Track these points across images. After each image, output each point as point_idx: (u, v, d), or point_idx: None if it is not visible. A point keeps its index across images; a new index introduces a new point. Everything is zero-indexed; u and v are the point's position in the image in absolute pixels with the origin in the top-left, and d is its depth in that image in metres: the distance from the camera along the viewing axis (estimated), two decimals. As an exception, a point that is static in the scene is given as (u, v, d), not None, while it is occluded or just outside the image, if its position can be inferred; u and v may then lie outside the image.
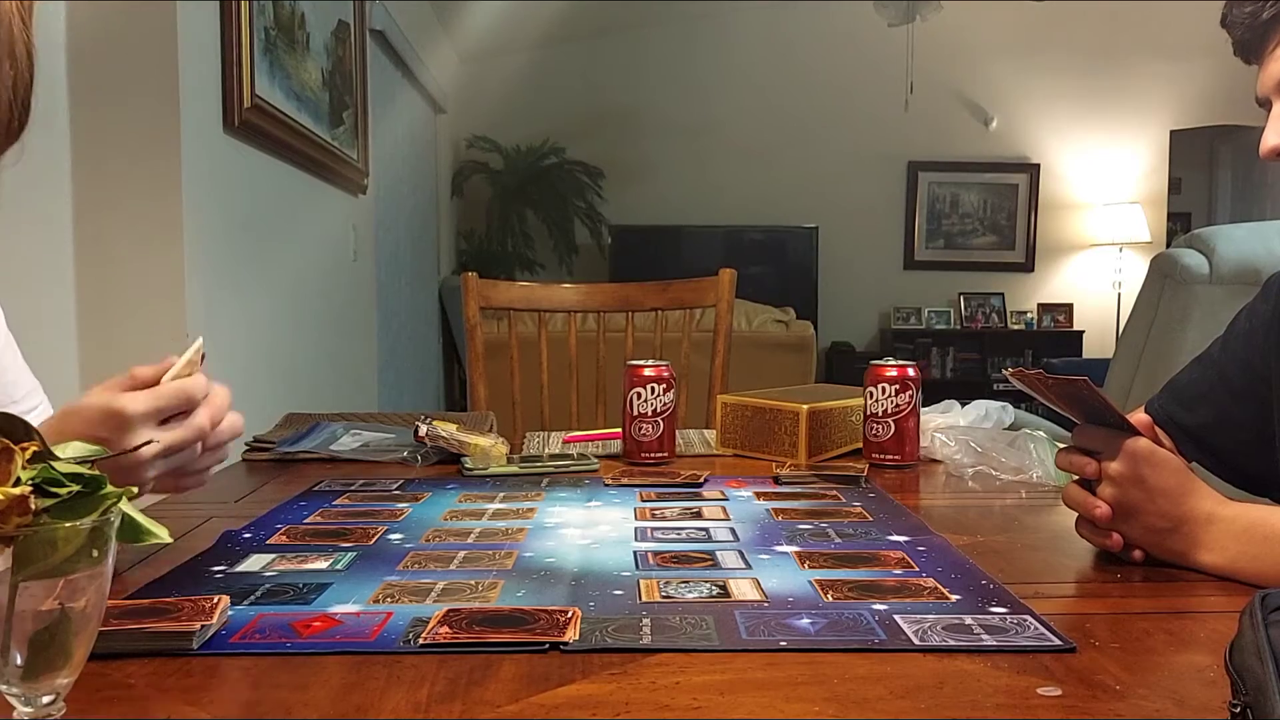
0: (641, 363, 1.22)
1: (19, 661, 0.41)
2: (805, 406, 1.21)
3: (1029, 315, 6.30)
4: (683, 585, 0.69)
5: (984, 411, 1.27)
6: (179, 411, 0.75)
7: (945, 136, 6.20)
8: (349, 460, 1.21)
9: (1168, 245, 5.19)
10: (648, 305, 1.93)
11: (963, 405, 1.30)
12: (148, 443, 0.70)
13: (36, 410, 0.98)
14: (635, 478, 1.08)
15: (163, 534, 0.45)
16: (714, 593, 0.67)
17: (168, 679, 0.53)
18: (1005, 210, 6.32)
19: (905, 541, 0.81)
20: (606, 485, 1.06)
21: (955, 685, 0.52)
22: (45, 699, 0.42)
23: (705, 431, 1.46)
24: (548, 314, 1.93)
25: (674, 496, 1.00)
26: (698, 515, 0.92)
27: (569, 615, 0.61)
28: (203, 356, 0.80)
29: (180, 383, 0.75)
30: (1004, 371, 0.81)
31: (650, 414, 1.20)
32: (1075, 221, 6.30)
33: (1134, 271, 5.73)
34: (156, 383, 0.76)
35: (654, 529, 0.86)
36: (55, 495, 0.41)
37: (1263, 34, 0.82)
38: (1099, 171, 6.24)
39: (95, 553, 0.42)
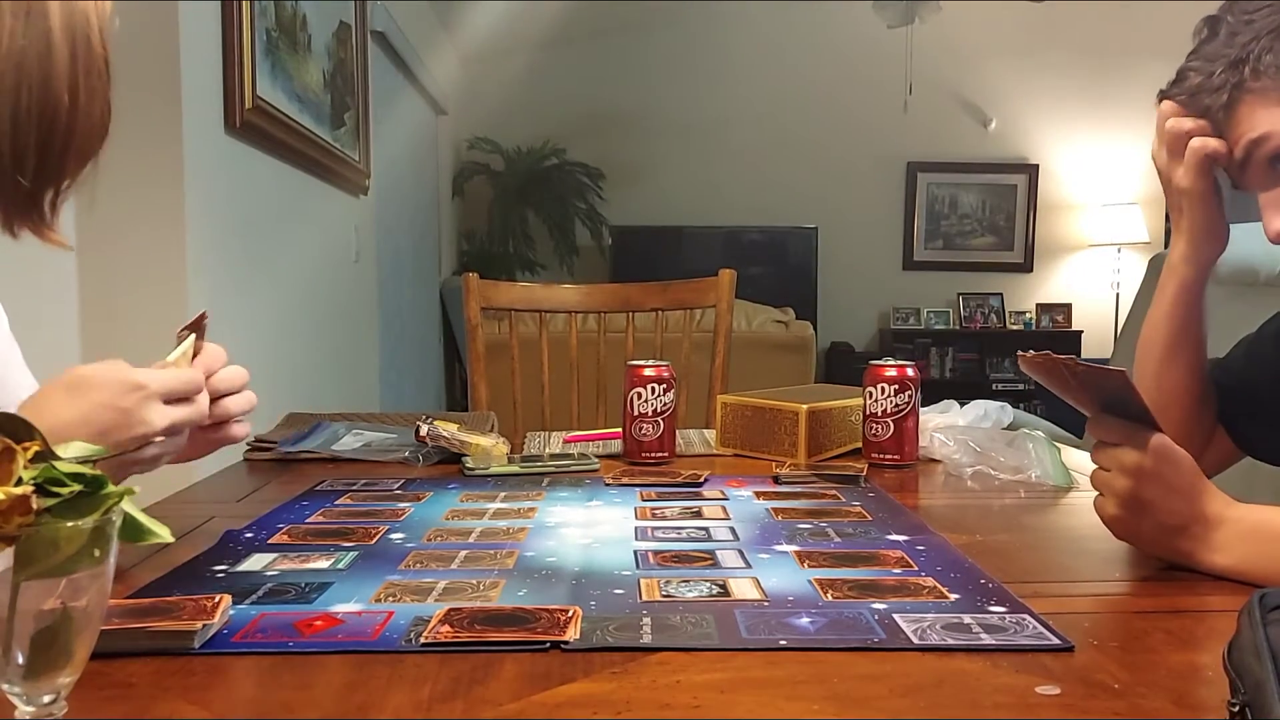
0: (642, 363, 1.22)
1: (21, 661, 0.41)
2: (805, 406, 1.21)
3: (1028, 315, 6.30)
4: (683, 584, 0.69)
5: (983, 411, 1.27)
6: (184, 397, 0.80)
7: (944, 137, 6.20)
8: (350, 460, 1.21)
9: (1166, 245, 5.18)
10: (648, 306, 1.94)
11: (962, 405, 1.30)
12: (150, 442, 0.72)
13: None
14: (635, 477, 1.08)
15: (164, 533, 0.45)
16: (714, 592, 0.68)
17: (169, 678, 0.53)
18: (1004, 211, 6.32)
19: (904, 541, 0.82)
20: (607, 485, 1.06)
21: (954, 684, 0.52)
22: (47, 698, 0.43)
23: (705, 431, 1.46)
24: (548, 314, 1.93)
25: (674, 496, 1.00)
26: (698, 515, 0.92)
27: (570, 614, 0.61)
28: (203, 330, 0.85)
29: (193, 371, 0.81)
30: (1019, 354, 0.80)
31: (650, 414, 1.20)
32: (1073, 222, 6.30)
33: (1132, 272, 5.73)
34: None
35: (654, 528, 0.86)
36: (57, 495, 0.41)
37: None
38: (1097, 172, 6.24)
39: (97, 552, 0.42)
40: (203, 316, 0.86)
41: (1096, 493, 0.77)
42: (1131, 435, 0.74)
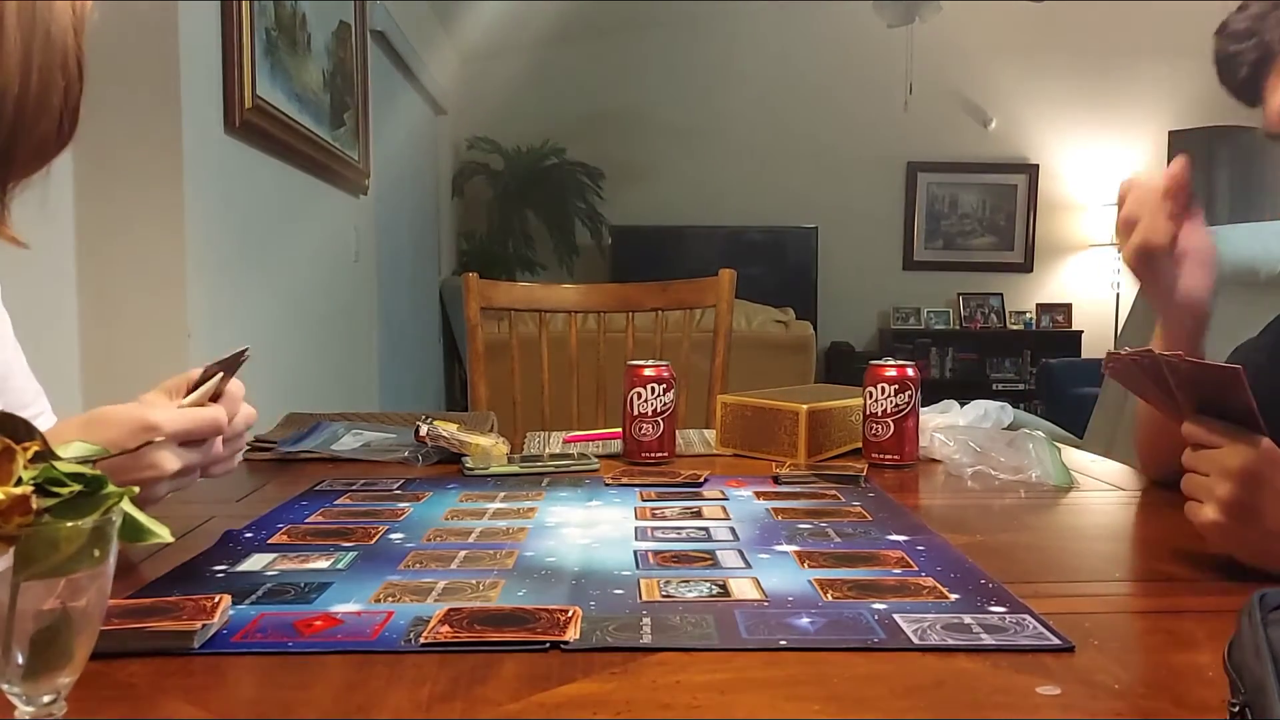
0: (642, 363, 1.22)
1: (20, 661, 0.41)
2: (805, 406, 1.21)
3: (1028, 315, 6.31)
4: (683, 584, 0.69)
5: (983, 411, 1.27)
6: (202, 438, 0.78)
7: (944, 137, 6.21)
8: (350, 460, 1.21)
9: (1167, 245, 5.17)
10: (648, 305, 1.94)
11: (962, 405, 1.30)
12: (148, 443, 0.71)
13: (40, 417, 0.99)
14: (635, 477, 1.08)
15: (164, 534, 0.45)
16: (714, 592, 0.68)
17: (169, 678, 0.53)
18: (1004, 211, 6.32)
19: (904, 541, 0.82)
20: (607, 485, 1.06)
21: (955, 684, 0.52)
22: (46, 698, 0.42)
23: (705, 431, 1.46)
24: (548, 314, 1.93)
25: (674, 496, 1.00)
26: (698, 515, 0.92)
27: (569, 614, 0.61)
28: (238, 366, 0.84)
29: (213, 412, 0.78)
30: (1108, 354, 0.77)
31: (650, 414, 1.20)
32: (1074, 222, 6.31)
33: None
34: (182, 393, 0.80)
35: (654, 528, 0.86)
36: (57, 495, 0.41)
37: (1256, 73, 0.86)
38: (1097, 172, 6.24)
39: (97, 552, 0.42)
40: (243, 353, 0.84)
41: (1192, 500, 0.73)
42: (1236, 437, 0.71)
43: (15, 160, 0.68)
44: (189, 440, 0.77)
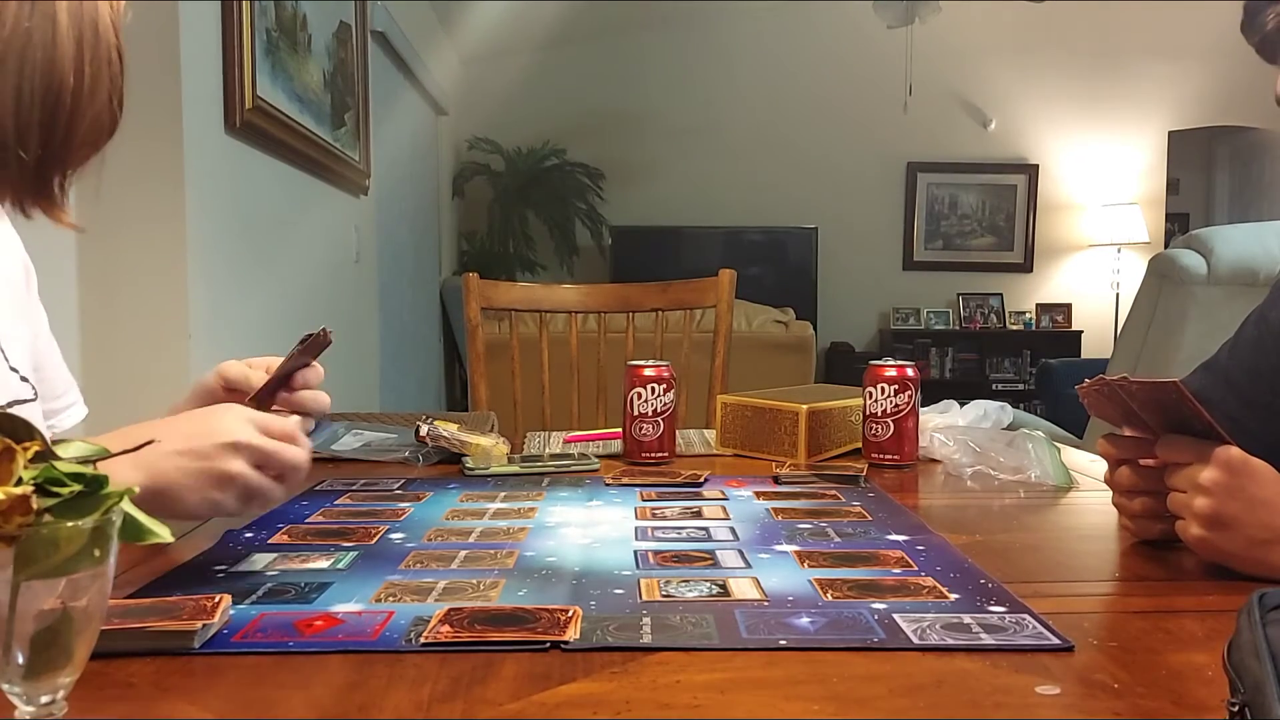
0: (642, 363, 1.23)
1: (21, 660, 0.41)
2: (805, 406, 1.21)
3: (1027, 315, 6.31)
4: (683, 584, 0.69)
5: (982, 411, 1.27)
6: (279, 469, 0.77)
7: (944, 138, 6.21)
8: (351, 460, 1.21)
9: (1166, 246, 5.19)
10: (648, 306, 1.94)
11: (961, 405, 1.30)
12: (147, 442, 0.71)
13: (72, 408, 1.01)
14: (635, 477, 1.08)
15: (164, 533, 0.45)
16: (714, 592, 0.68)
17: (169, 678, 0.53)
18: (1004, 211, 6.32)
19: (904, 541, 0.82)
20: (607, 485, 1.06)
21: (954, 684, 0.52)
22: (46, 698, 0.43)
23: (705, 431, 1.46)
24: (549, 314, 1.93)
25: (674, 496, 1.00)
26: (698, 515, 0.92)
27: (570, 614, 0.61)
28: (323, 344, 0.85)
29: (297, 455, 0.76)
30: (1077, 388, 0.76)
31: (650, 414, 1.20)
32: (1073, 222, 6.31)
33: (1132, 272, 5.73)
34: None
35: (654, 528, 0.86)
36: (57, 495, 0.42)
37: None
38: (1097, 172, 6.24)
39: (97, 552, 0.42)
40: (325, 335, 0.84)
41: (1179, 517, 0.73)
42: (1201, 451, 0.71)
43: (73, 148, 0.72)
44: (264, 464, 0.75)
